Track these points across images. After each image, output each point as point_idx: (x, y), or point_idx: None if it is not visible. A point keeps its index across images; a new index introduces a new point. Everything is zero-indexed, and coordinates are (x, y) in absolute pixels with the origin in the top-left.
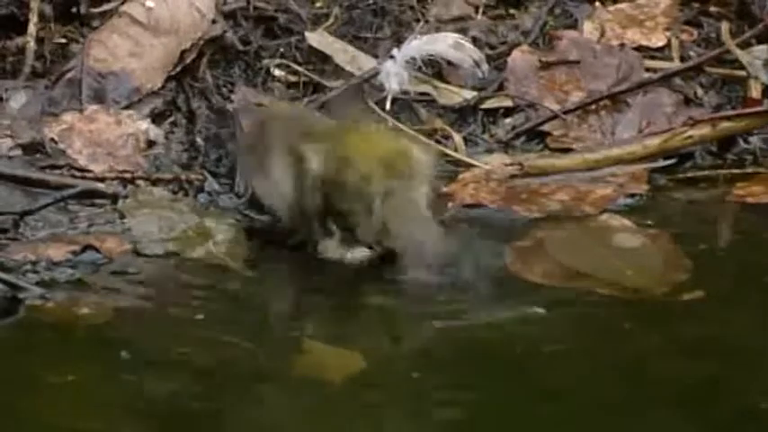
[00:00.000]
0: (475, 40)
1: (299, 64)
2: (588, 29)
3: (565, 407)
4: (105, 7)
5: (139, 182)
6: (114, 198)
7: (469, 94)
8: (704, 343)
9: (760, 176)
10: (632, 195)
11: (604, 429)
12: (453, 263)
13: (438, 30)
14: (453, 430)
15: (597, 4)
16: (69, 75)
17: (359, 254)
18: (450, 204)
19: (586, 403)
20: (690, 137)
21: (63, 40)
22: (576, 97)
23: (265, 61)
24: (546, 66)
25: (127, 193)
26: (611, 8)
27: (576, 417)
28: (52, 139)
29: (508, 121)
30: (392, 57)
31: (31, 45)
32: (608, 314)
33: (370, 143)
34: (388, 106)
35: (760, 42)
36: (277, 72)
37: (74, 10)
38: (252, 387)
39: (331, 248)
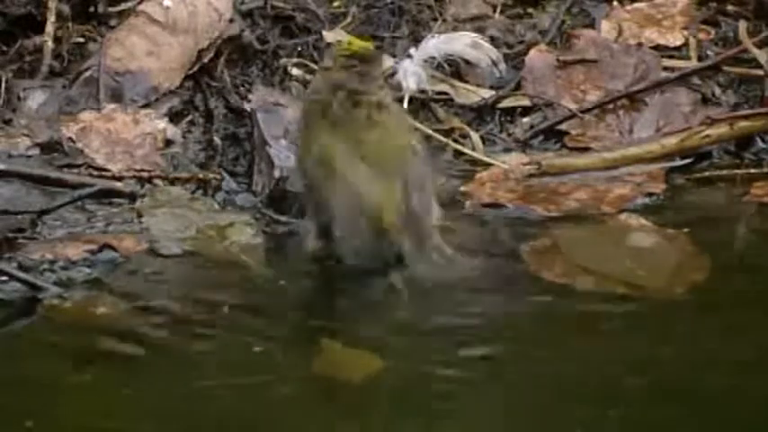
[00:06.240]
0: (492, 40)
1: (317, 63)
2: (606, 28)
3: (581, 406)
4: (123, 6)
5: (157, 181)
6: (132, 197)
7: (487, 94)
8: (721, 343)
9: None
10: (650, 195)
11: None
12: (471, 261)
13: (455, 29)
14: (471, 430)
15: (615, 3)
16: (87, 74)
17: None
18: (467, 203)
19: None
20: (707, 136)
21: (81, 40)
22: (594, 96)
23: (283, 60)
24: (563, 65)
25: (144, 192)
26: (629, 7)
27: (589, 415)
28: (70, 139)
29: (526, 120)
30: (410, 56)
31: (49, 44)
32: (625, 313)
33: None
34: (405, 105)
35: None
36: (295, 71)
37: (91, 9)
38: (270, 387)
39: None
